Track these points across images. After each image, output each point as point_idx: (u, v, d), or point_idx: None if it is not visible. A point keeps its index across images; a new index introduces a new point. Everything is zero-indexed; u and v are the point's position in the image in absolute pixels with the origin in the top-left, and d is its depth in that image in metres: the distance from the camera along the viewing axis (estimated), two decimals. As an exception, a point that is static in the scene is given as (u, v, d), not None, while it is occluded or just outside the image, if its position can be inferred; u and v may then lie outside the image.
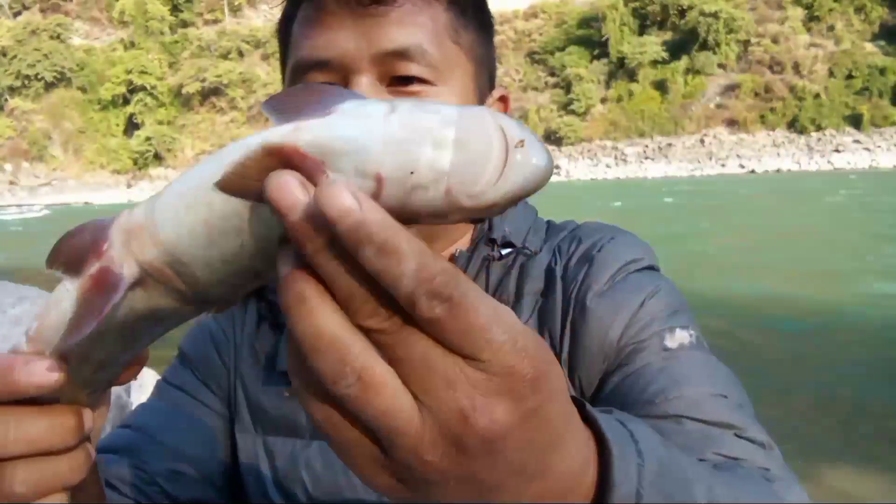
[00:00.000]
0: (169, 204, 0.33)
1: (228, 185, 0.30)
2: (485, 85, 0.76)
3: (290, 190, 0.28)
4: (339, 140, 0.30)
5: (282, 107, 0.32)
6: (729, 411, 0.62)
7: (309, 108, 0.31)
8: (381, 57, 0.68)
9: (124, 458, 0.74)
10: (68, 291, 0.36)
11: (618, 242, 0.77)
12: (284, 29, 0.77)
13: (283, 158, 0.29)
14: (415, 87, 0.69)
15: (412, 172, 0.29)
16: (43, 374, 0.36)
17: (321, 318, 0.28)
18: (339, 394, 0.29)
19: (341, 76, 0.69)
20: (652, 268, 0.77)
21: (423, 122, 0.30)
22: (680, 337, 0.69)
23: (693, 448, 0.57)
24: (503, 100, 0.80)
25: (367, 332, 0.29)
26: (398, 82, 0.69)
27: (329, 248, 0.28)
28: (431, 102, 0.31)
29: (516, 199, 0.30)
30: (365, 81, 0.68)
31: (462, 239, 0.78)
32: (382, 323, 0.28)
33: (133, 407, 1.98)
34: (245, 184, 0.30)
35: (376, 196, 0.29)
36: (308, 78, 0.70)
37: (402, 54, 0.68)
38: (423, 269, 0.27)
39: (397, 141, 0.29)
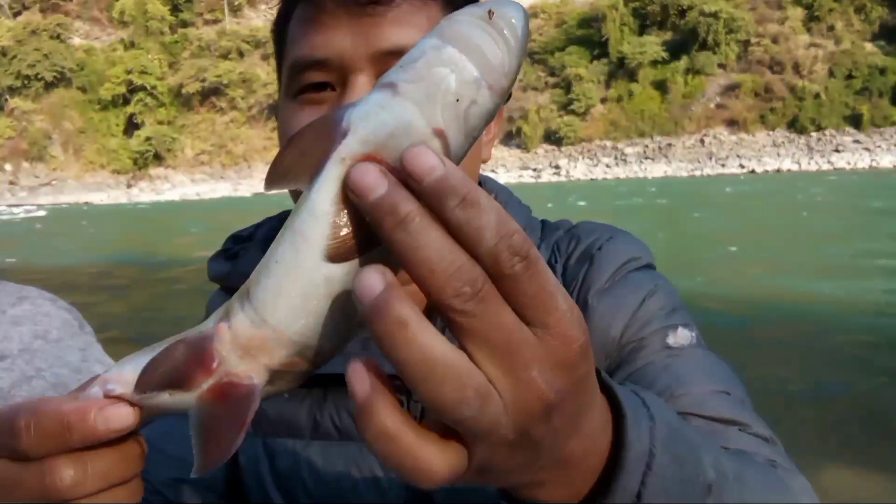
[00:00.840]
0: (281, 304, 0.33)
1: (339, 252, 0.31)
2: None
3: (368, 171, 0.30)
4: (383, 133, 0.31)
5: (293, 157, 0.34)
6: (732, 407, 0.63)
7: (322, 138, 0.32)
8: (378, 56, 0.68)
9: None
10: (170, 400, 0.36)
11: (617, 241, 0.78)
12: (280, 28, 0.77)
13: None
14: None
15: (457, 100, 0.32)
16: (119, 418, 0.37)
17: (429, 339, 0.29)
18: (461, 417, 0.30)
19: (339, 75, 0.69)
20: (650, 266, 0.79)
21: (426, 64, 0.32)
22: (682, 335, 0.70)
23: None
24: None
25: (450, 321, 0.30)
26: None
27: (409, 220, 0.29)
28: (408, 55, 0.33)
29: (526, 48, 0.33)
30: (362, 80, 0.68)
31: None
32: (466, 303, 0.30)
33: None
34: (349, 242, 0.31)
35: (448, 147, 0.32)
36: (305, 77, 0.70)
37: (399, 54, 0.66)
38: (502, 224, 0.30)
39: (424, 94, 0.32)
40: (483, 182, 0.84)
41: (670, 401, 0.63)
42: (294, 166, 0.34)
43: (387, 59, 0.68)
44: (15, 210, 46.55)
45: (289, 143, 0.35)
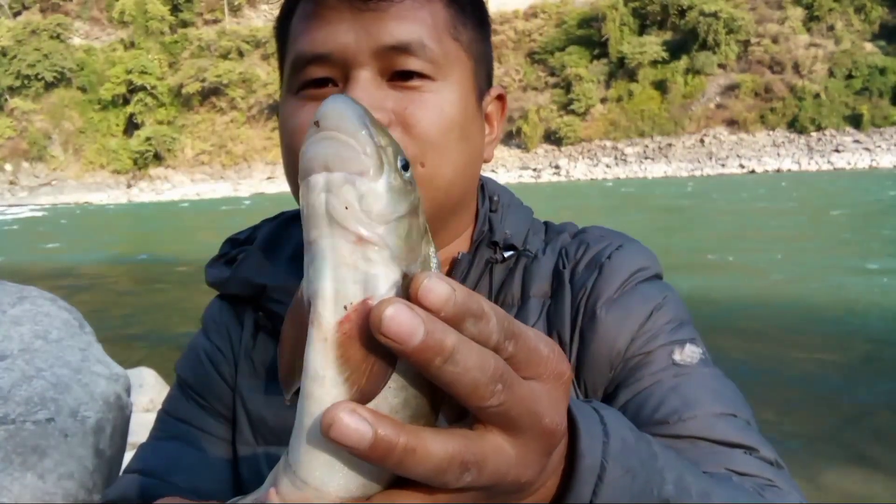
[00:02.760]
0: (315, 463, 0.34)
1: (368, 393, 0.32)
2: (483, 82, 0.76)
3: (402, 315, 0.30)
4: (347, 292, 0.33)
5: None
6: (739, 431, 0.64)
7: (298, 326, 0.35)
8: (381, 51, 0.67)
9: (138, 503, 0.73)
10: None
11: (626, 251, 0.77)
12: (282, 25, 0.76)
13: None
14: (415, 82, 0.69)
15: (358, 238, 0.33)
16: None
17: (438, 447, 0.32)
18: (463, 485, 0.33)
19: (341, 70, 0.69)
20: (658, 276, 0.79)
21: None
22: (690, 352, 0.70)
23: (706, 464, 0.58)
24: (500, 98, 0.81)
25: (482, 414, 0.33)
26: (399, 77, 0.68)
27: (456, 352, 0.31)
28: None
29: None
30: (365, 75, 0.68)
31: (458, 240, 0.78)
32: (500, 396, 0.32)
33: (132, 407, 1.98)
34: (357, 395, 0.32)
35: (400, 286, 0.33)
36: (307, 72, 0.70)
37: (402, 49, 0.68)
38: (500, 319, 0.33)
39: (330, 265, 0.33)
40: (484, 184, 0.83)
41: (678, 424, 0.63)
42: (296, 364, 0.35)
43: (389, 54, 0.67)
44: (15, 210, 46.53)
45: (280, 350, 0.37)
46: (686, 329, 0.73)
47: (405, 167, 0.34)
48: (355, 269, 0.32)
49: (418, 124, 0.68)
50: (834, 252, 11.46)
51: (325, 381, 0.33)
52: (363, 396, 0.32)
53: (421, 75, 0.69)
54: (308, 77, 0.70)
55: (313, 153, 0.33)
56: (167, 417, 0.83)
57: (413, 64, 0.68)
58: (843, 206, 19.60)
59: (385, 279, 0.33)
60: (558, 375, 0.36)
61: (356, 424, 0.30)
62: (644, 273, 0.76)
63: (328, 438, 0.30)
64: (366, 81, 0.67)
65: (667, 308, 0.73)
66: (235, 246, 0.85)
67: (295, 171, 0.69)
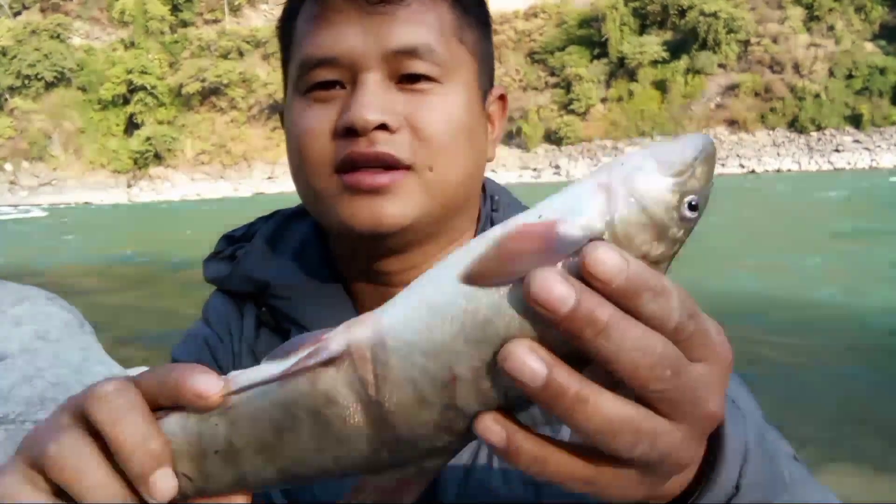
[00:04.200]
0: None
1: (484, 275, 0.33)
2: (486, 83, 0.77)
3: (553, 282, 0.30)
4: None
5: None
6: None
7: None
8: (389, 55, 0.68)
9: None
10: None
11: None
12: (285, 26, 0.76)
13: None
14: (422, 85, 0.69)
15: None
16: (207, 384, 0.39)
17: (611, 405, 0.32)
18: (635, 456, 0.33)
19: (349, 73, 0.69)
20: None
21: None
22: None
23: None
24: (502, 98, 0.81)
25: (646, 397, 0.33)
26: (406, 80, 0.69)
27: (610, 327, 0.30)
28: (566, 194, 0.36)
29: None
30: (373, 79, 0.68)
31: (461, 238, 0.78)
32: (667, 382, 0.32)
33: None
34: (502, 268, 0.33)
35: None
36: (315, 74, 0.70)
37: (410, 53, 0.68)
38: (682, 298, 0.32)
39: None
40: (484, 184, 0.84)
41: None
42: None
43: (397, 57, 0.68)
44: (15, 210, 46.52)
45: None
46: (750, 399, 0.74)
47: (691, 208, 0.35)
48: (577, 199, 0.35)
49: (427, 128, 0.68)
50: (831, 250, 11.46)
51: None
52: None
53: (428, 78, 0.69)
54: (316, 79, 0.70)
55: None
56: None
57: (420, 67, 0.68)
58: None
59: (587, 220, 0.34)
60: (724, 359, 0.35)
61: (532, 362, 0.30)
62: None
63: (502, 369, 0.31)
64: (374, 85, 0.67)
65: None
66: (232, 243, 0.85)
67: (303, 172, 0.71)
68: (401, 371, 0.36)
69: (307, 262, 0.79)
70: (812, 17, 58.28)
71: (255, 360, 0.78)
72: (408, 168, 0.67)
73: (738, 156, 53.33)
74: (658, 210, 0.34)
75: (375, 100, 0.66)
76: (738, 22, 56.66)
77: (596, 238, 0.33)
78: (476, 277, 0.33)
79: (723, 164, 52.50)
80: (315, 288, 0.77)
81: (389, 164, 0.67)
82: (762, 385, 4.92)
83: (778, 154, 52.51)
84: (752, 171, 49.77)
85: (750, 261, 11.11)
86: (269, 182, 60.86)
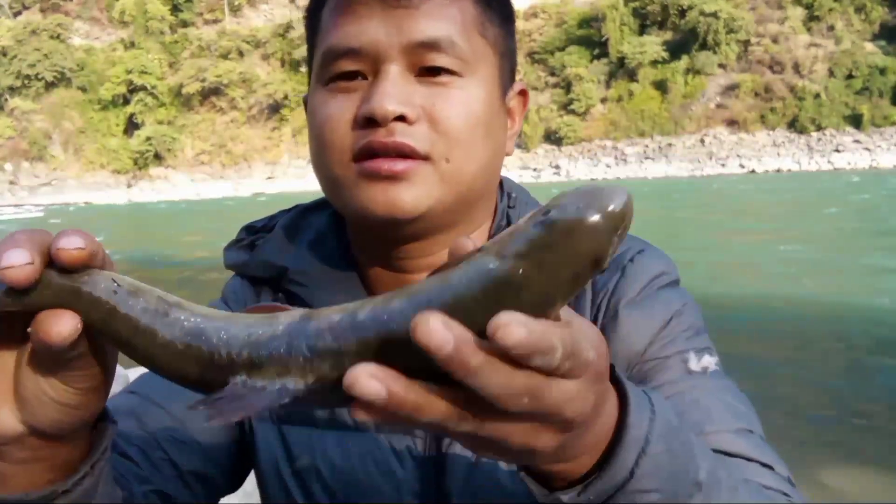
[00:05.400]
0: None
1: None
2: (507, 78, 0.78)
3: (434, 329, 0.33)
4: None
5: None
6: (756, 448, 0.66)
7: None
8: (411, 47, 0.69)
9: (129, 420, 0.74)
10: None
11: (647, 255, 0.79)
12: (312, 16, 0.77)
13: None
14: (443, 78, 0.70)
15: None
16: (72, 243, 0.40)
17: (503, 375, 0.35)
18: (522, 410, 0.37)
19: (371, 64, 0.70)
20: (676, 282, 0.81)
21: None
22: (706, 362, 0.72)
23: None
24: (523, 93, 0.82)
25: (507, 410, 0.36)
26: (427, 73, 0.70)
27: (478, 372, 0.34)
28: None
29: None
30: (394, 70, 0.69)
31: (477, 232, 0.79)
32: (525, 406, 0.36)
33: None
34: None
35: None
36: (337, 65, 0.71)
37: (432, 46, 0.69)
38: (566, 346, 0.36)
39: None
40: (502, 181, 0.85)
41: (699, 437, 0.65)
42: None
43: (419, 50, 0.69)
44: (15, 210, 46.53)
45: None
46: (702, 338, 0.76)
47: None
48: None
49: (445, 120, 0.69)
50: (833, 249, 11.46)
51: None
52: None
53: (449, 71, 0.70)
54: (338, 70, 0.71)
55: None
56: None
57: (441, 60, 0.69)
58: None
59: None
60: (596, 376, 0.39)
61: (443, 333, 0.33)
62: (664, 279, 0.78)
63: (413, 336, 0.33)
64: (395, 76, 0.69)
65: (685, 315, 0.76)
66: (252, 233, 0.88)
67: (323, 158, 0.73)
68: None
69: (323, 251, 0.81)
70: (812, 17, 58.30)
71: None
72: (425, 158, 0.69)
73: (738, 156, 53.34)
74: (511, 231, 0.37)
75: (396, 91, 0.68)
76: (738, 22, 56.68)
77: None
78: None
79: (723, 165, 52.54)
80: (330, 275, 0.79)
81: (407, 154, 0.68)
82: (763, 385, 4.91)
83: (778, 154, 52.52)
84: (752, 171, 49.78)
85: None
86: (269, 182, 60.89)
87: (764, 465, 0.64)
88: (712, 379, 0.71)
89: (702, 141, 55.72)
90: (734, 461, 0.63)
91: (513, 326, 0.33)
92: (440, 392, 0.36)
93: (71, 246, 0.39)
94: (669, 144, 56.46)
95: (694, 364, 0.72)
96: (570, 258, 0.35)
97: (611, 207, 0.35)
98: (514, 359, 0.34)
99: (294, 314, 0.39)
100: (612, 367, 0.45)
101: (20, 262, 0.38)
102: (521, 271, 0.35)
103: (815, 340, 6.53)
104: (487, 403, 0.36)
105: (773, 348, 6.24)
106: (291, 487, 0.77)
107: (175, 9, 74.37)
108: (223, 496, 0.83)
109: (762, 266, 10.60)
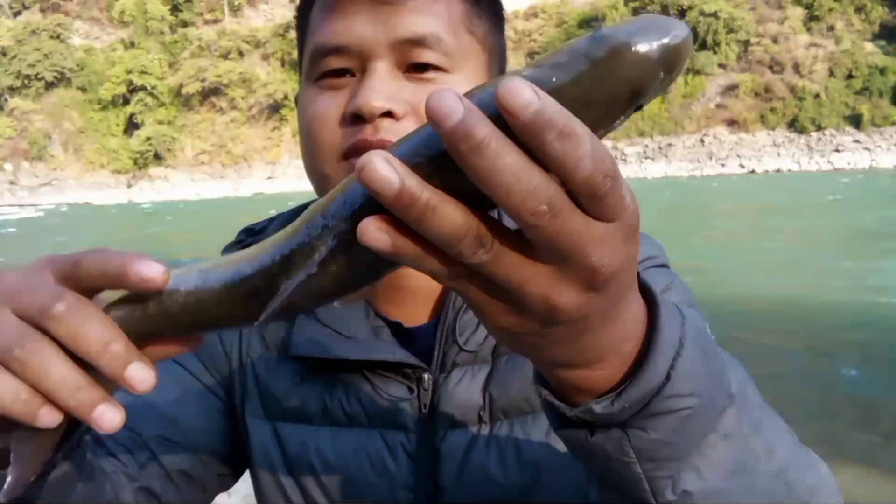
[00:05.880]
0: None
1: None
2: (496, 75, 0.78)
3: (445, 97, 0.30)
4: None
5: None
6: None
7: None
8: (398, 44, 0.69)
9: None
10: None
11: None
12: (302, 16, 0.78)
13: None
14: (430, 75, 0.71)
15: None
16: (154, 271, 0.39)
17: (456, 212, 0.32)
18: (536, 223, 0.32)
19: (358, 62, 0.71)
20: (665, 265, 0.81)
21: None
22: None
23: None
24: None
25: (524, 227, 0.33)
26: (414, 69, 0.71)
27: (483, 146, 0.30)
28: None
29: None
30: (382, 67, 0.69)
31: None
32: (541, 219, 0.32)
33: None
34: None
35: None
36: (326, 63, 0.72)
37: (419, 42, 0.69)
38: (597, 150, 0.31)
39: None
40: None
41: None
42: None
43: (406, 46, 0.69)
44: (15, 210, 46.54)
45: None
46: (694, 310, 0.74)
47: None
48: None
49: None
50: (828, 250, 11.47)
51: None
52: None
53: (436, 68, 0.70)
54: (327, 67, 0.72)
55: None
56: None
57: (429, 57, 0.70)
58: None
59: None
60: (629, 224, 0.35)
61: (386, 171, 0.31)
62: (652, 261, 0.79)
63: (359, 179, 0.32)
64: (382, 73, 0.69)
65: (675, 290, 0.76)
66: (251, 235, 0.88)
67: (313, 157, 0.74)
68: None
69: None
70: (812, 17, 58.29)
71: (262, 340, 0.82)
72: None
73: (738, 156, 53.34)
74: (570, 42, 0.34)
75: (382, 87, 0.68)
76: (738, 22, 56.70)
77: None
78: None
79: (723, 165, 52.55)
80: None
81: None
82: (767, 383, 4.91)
83: (778, 154, 52.52)
84: (752, 171, 49.78)
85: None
86: (268, 182, 60.86)
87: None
88: (737, 371, 0.68)
89: (702, 141, 55.72)
90: None
91: (522, 86, 0.30)
92: (456, 201, 0.33)
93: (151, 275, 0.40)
94: (669, 144, 56.45)
95: None
96: (608, 80, 0.32)
97: (665, 40, 0.33)
98: (528, 140, 0.30)
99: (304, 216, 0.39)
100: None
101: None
102: (553, 80, 0.32)
103: (816, 337, 6.53)
104: (502, 227, 0.34)
105: (770, 346, 6.24)
106: (286, 485, 0.77)
107: (175, 9, 74.35)
108: (215, 495, 0.83)
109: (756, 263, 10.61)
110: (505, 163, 0.31)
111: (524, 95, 0.30)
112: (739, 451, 0.44)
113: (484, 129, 0.30)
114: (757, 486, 0.45)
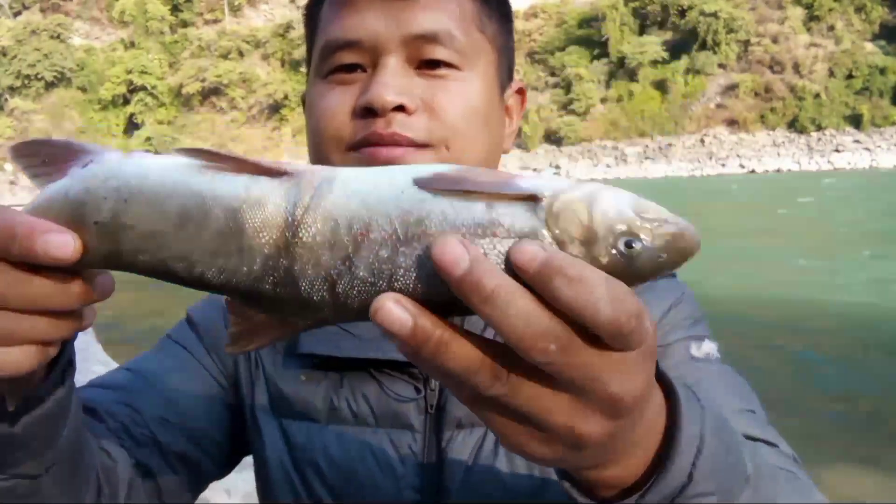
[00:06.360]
0: None
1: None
2: (504, 75, 0.79)
3: (450, 245, 0.32)
4: None
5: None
6: (760, 427, 0.65)
7: None
8: (410, 40, 0.70)
9: (118, 395, 0.75)
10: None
11: None
12: (312, 11, 0.78)
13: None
14: (441, 71, 0.71)
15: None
16: (60, 246, 0.37)
17: (468, 349, 0.34)
18: (548, 360, 0.33)
19: (370, 57, 0.71)
20: (674, 275, 0.81)
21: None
22: (707, 348, 0.72)
23: None
24: (521, 92, 0.84)
25: (541, 365, 0.33)
26: (426, 66, 0.71)
27: (495, 296, 0.31)
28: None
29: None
30: (393, 62, 0.70)
31: None
32: (551, 357, 0.32)
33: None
34: None
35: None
36: (337, 58, 0.72)
37: (431, 38, 0.70)
38: (613, 292, 0.32)
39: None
40: None
41: None
42: None
43: (418, 42, 0.70)
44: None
45: None
46: (702, 325, 0.76)
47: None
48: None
49: (444, 111, 0.70)
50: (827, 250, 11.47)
51: None
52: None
53: (447, 64, 0.71)
54: (338, 62, 0.72)
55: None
56: (168, 340, 0.85)
57: (440, 53, 0.70)
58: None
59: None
60: (650, 350, 0.36)
61: (399, 313, 0.32)
62: None
63: (374, 321, 0.32)
64: (394, 68, 0.69)
65: (684, 304, 0.76)
66: None
67: (319, 149, 0.73)
68: (332, 206, 0.37)
69: None
70: (812, 17, 58.28)
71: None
72: (424, 146, 0.69)
73: (738, 156, 53.33)
74: (597, 219, 0.35)
75: (395, 81, 0.68)
76: (738, 22, 56.68)
77: (537, 198, 0.35)
78: (430, 181, 0.36)
79: (723, 165, 52.53)
80: None
81: (405, 146, 0.69)
82: (761, 385, 4.91)
83: (778, 154, 52.50)
84: (752, 171, 49.76)
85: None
86: (269, 182, 60.78)
87: (769, 443, 0.63)
88: (714, 364, 0.71)
89: (702, 141, 55.70)
90: (746, 443, 0.61)
91: (528, 243, 0.32)
92: (471, 337, 0.34)
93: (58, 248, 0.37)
94: (669, 144, 56.43)
95: (696, 350, 0.71)
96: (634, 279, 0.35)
97: (689, 256, 0.36)
98: (538, 288, 0.32)
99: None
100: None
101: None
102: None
103: (816, 337, 6.52)
104: (519, 358, 0.33)
105: (771, 345, 6.24)
106: (291, 482, 0.76)
107: (175, 9, 74.33)
108: (209, 482, 0.83)
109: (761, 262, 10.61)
110: (516, 310, 0.31)
111: (531, 249, 0.31)
112: None
113: (492, 281, 0.31)
114: None
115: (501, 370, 0.34)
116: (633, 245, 0.35)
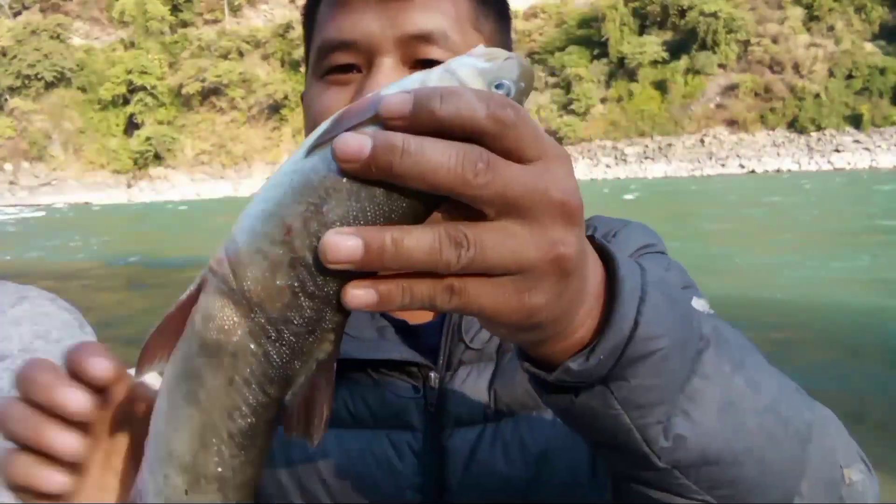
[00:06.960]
0: None
1: None
2: None
3: (349, 138, 0.33)
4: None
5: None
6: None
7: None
8: (405, 40, 0.70)
9: None
10: None
11: (632, 229, 0.81)
12: (309, 12, 0.79)
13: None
14: None
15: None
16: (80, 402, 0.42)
17: (420, 238, 0.34)
18: (464, 264, 0.34)
19: (365, 57, 0.71)
20: (663, 253, 0.81)
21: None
22: (698, 304, 0.71)
23: None
24: None
25: (473, 200, 0.34)
26: (421, 66, 0.70)
27: (407, 145, 0.33)
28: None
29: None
30: (388, 63, 0.70)
31: None
32: (481, 176, 0.33)
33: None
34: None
35: None
36: (332, 58, 0.72)
37: (425, 38, 0.70)
38: (479, 93, 0.34)
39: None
40: None
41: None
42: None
43: (413, 42, 0.70)
44: (15, 210, 46.51)
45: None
46: (692, 290, 0.75)
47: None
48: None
49: None
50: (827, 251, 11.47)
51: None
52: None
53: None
54: (333, 63, 0.72)
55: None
56: None
57: (435, 53, 0.70)
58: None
59: None
60: (560, 154, 0.36)
61: (344, 238, 0.32)
62: (650, 249, 0.79)
63: (326, 262, 0.33)
64: (389, 68, 0.69)
65: (673, 272, 0.76)
66: None
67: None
68: (248, 246, 0.36)
69: None
70: (812, 17, 58.29)
71: None
72: None
73: (738, 156, 53.35)
74: (465, 83, 0.37)
75: (388, 83, 0.68)
76: (738, 22, 56.67)
77: None
78: (315, 146, 0.36)
79: (723, 165, 52.55)
80: None
81: None
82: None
83: (778, 154, 52.52)
84: (752, 171, 49.77)
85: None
86: (269, 182, 60.76)
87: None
88: (713, 318, 0.69)
89: (702, 141, 55.71)
90: None
91: (393, 93, 0.34)
92: (414, 225, 0.34)
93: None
94: (669, 144, 56.44)
95: (695, 304, 0.70)
96: None
97: (533, 75, 0.40)
98: (423, 121, 0.33)
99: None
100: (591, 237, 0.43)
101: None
102: None
103: (815, 336, 6.52)
104: (464, 215, 0.35)
105: (771, 345, 6.24)
106: (290, 485, 0.75)
107: (175, 9, 74.33)
108: None
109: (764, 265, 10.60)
110: (431, 148, 0.33)
111: (398, 95, 0.33)
112: (723, 389, 0.45)
113: (397, 138, 0.33)
114: (749, 423, 0.46)
115: (459, 234, 0.34)
116: (502, 86, 0.38)
